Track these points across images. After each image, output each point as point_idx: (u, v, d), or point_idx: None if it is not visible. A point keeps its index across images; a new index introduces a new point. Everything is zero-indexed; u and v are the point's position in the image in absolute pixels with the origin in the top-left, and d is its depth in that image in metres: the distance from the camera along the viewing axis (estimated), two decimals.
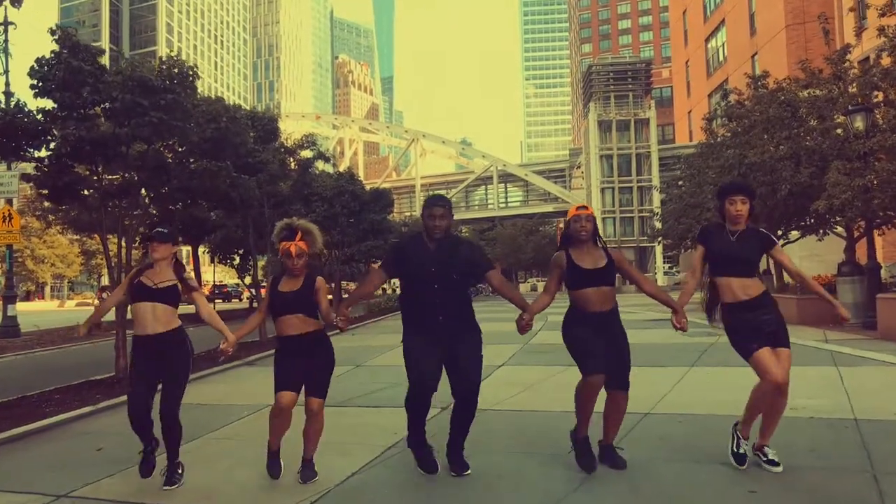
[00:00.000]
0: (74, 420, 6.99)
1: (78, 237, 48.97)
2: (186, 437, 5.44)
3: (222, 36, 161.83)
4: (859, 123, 11.88)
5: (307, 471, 4.45)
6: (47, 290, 74.15)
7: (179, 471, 4.52)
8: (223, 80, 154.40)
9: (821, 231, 16.04)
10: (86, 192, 10.24)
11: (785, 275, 19.80)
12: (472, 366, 4.36)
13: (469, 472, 4.37)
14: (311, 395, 4.39)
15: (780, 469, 4.09)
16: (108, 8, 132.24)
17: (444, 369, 4.33)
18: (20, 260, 42.08)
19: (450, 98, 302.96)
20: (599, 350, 4.23)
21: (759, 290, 4.23)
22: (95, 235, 42.99)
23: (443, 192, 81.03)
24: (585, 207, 4.47)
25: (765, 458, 4.19)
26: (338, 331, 4.51)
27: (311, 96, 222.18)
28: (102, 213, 10.25)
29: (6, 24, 20.24)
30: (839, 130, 13.35)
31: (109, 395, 8.14)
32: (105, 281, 70.99)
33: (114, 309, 4.94)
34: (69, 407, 7.50)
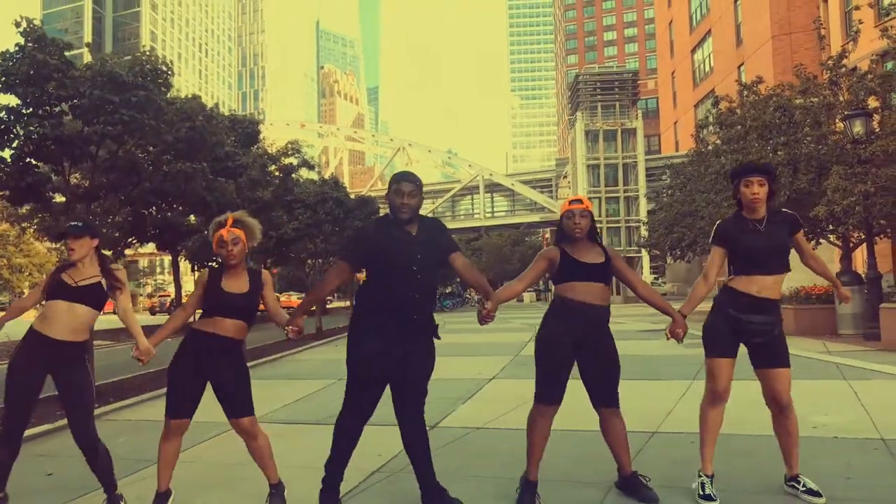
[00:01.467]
0: (28, 440, 6.37)
1: (56, 246, 47.97)
2: (142, 463, 4.92)
3: (207, 45, 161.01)
4: (859, 128, 11.56)
5: (276, 498, 3.90)
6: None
7: None
8: (208, 88, 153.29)
9: (817, 240, 15.70)
10: (51, 195, 9.66)
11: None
12: (420, 388, 3.82)
13: None
14: (241, 415, 3.86)
15: (822, 500, 3.60)
16: (91, 15, 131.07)
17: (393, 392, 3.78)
18: None
19: (435, 108, 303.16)
20: (566, 371, 3.72)
21: (777, 295, 3.74)
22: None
23: (429, 200, 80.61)
24: (580, 200, 3.88)
25: (803, 489, 3.69)
26: (289, 338, 4.01)
27: (296, 106, 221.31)
28: (69, 218, 9.68)
29: None
30: (836, 136, 13.05)
31: None
32: None
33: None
34: None
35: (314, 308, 24.76)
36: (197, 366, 3.81)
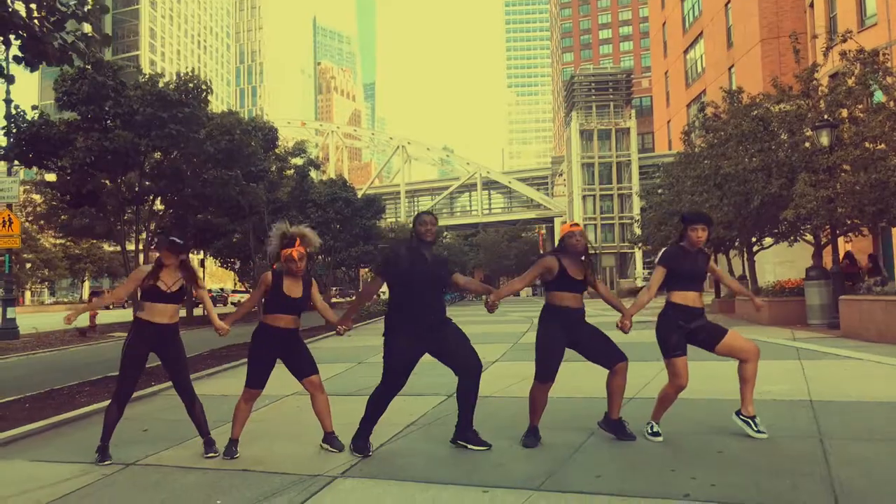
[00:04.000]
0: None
1: (62, 241, 49.00)
2: (220, 421, 6.16)
3: (205, 41, 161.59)
4: (825, 138, 12.82)
5: (335, 441, 5.21)
6: (27, 294, 73.66)
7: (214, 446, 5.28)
8: None
9: (791, 238, 17.01)
10: (105, 199, 10.87)
11: (759, 279, 20.85)
12: (468, 345, 5.14)
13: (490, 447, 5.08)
14: (311, 374, 5.20)
15: (765, 436, 4.93)
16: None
17: (443, 360, 5.11)
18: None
19: (432, 105, 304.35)
20: (559, 360, 5.04)
21: (702, 303, 5.19)
22: (83, 241, 43.02)
23: (427, 197, 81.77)
24: (577, 224, 5.28)
25: (756, 429, 5.01)
26: (335, 333, 5.32)
27: (294, 102, 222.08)
28: (121, 219, 10.91)
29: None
30: (807, 144, 14.30)
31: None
32: (87, 286, 70.72)
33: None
34: (101, 398, 8.11)
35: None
36: (271, 350, 5.16)
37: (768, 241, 19.20)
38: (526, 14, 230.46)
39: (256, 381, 5.16)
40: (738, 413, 5.12)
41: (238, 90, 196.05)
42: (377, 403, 5.16)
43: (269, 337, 5.12)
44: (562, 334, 5.02)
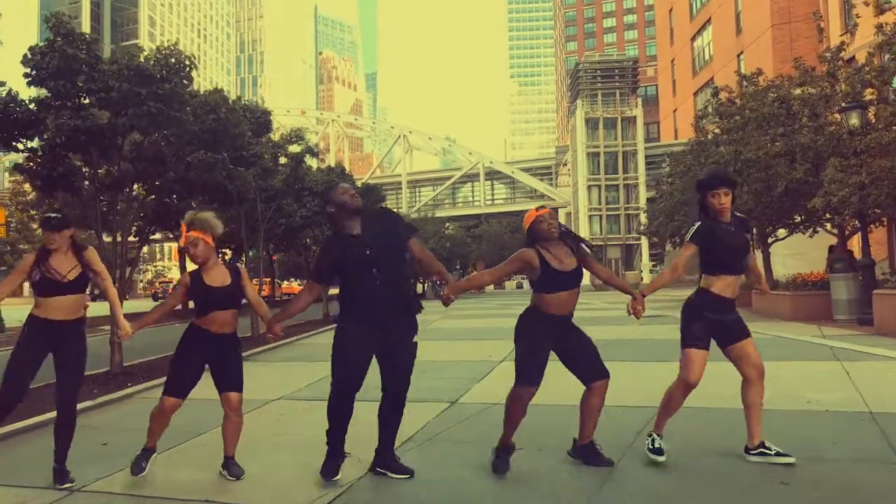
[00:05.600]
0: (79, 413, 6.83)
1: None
2: (182, 436, 5.34)
3: (205, 30, 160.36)
4: (854, 120, 11.97)
5: (234, 468, 4.36)
6: (25, 285, 73.00)
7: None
8: (206, 74, 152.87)
9: (812, 228, 16.16)
10: (80, 184, 10.03)
11: (774, 271, 19.98)
12: (407, 357, 4.23)
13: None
14: (231, 390, 4.36)
15: (792, 459, 4.07)
16: (90, 0, 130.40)
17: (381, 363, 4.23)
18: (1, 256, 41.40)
19: (433, 95, 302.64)
20: (544, 363, 4.15)
21: (737, 292, 4.28)
22: (84, 231, 42.37)
23: (429, 188, 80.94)
24: (543, 207, 4.35)
25: (774, 452, 4.16)
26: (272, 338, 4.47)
27: (295, 92, 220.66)
28: (97, 206, 10.07)
29: None
30: (833, 127, 13.46)
31: (106, 390, 8.03)
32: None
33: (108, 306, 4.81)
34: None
35: (321, 296, 25.22)
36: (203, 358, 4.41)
37: (782, 232, 18.30)
38: (528, 3, 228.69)
39: (180, 390, 4.36)
40: (747, 450, 4.24)
41: (238, 79, 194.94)
42: (334, 410, 4.22)
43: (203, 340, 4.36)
44: (546, 333, 4.15)
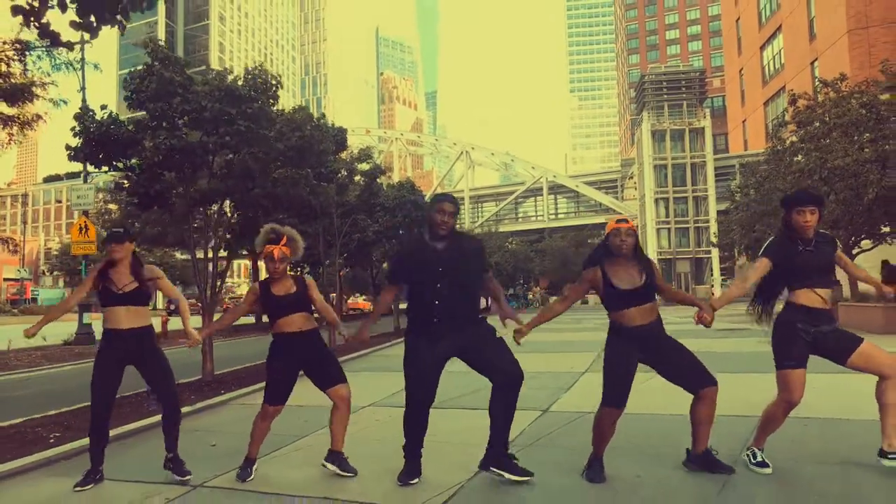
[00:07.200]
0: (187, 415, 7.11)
1: (136, 250, 50.45)
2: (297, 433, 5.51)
3: (272, 54, 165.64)
4: None
5: (346, 464, 4.49)
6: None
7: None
8: None
9: None
10: (174, 200, 10.49)
11: (858, 285, 19.14)
12: (494, 341, 4.29)
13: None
14: (336, 384, 4.52)
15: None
16: (165, 29, 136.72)
17: (476, 367, 4.28)
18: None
19: (493, 111, 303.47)
20: (627, 382, 4.11)
21: (829, 303, 4.15)
22: (154, 249, 44.01)
23: (491, 203, 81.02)
24: (626, 220, 4.28)
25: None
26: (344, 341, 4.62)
27: (357, 112, 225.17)
28: (189, 221, 10.53)
29: (83, 42, 21.06)
30: None
31: (201, 397, 8.34)
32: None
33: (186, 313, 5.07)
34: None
35: (391, 309, 25.56)
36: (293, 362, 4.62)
37: (866, 243, 17.53)
38: (588, 18, 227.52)
39: (277, 397, 4.55)
40: (881, 453, 4.03)
41: (304, 101, 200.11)
42: (408, 423, 4.33)
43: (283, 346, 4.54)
44: (630, 351, 4.10)
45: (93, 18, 3.81)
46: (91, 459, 4.59)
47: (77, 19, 3.87)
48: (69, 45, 4.39)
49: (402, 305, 43.34)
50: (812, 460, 4.44)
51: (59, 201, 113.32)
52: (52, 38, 3.92)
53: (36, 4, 3.69)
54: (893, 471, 3.95)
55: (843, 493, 3.79)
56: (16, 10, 3.80)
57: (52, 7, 3.75)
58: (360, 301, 55.92)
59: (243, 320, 37.77)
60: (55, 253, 67.60)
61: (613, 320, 4.22)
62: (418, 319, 4.26)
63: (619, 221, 4.25)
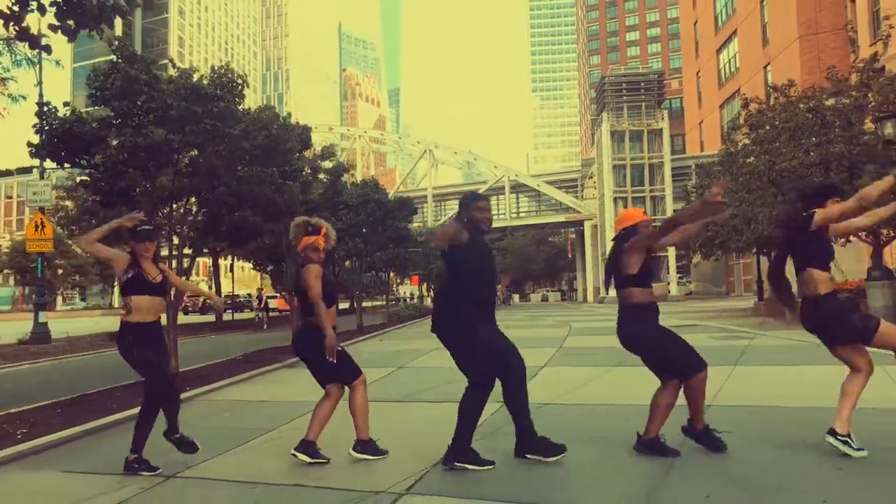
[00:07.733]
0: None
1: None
2: (261, 430, 5.69)
3: (233, 49, 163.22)
4: (890, 129, 12.09)
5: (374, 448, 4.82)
6: (59, 300, 74.63)
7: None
8: None
9: (846, 238, 16.16)
10: (139, 199, 10.50)
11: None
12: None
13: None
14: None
15: (865, 453, 4.27)
16: (122, 22, 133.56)
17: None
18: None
19: (457, 109, 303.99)
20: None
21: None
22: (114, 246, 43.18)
23: (454, 201, 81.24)
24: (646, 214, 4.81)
25: (856, 448, 4.29)
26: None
27: (319, 108, 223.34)
28: (153, 219, 10.54)
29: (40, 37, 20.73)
30: (868, 137, 13.56)
31: (233, 372, 8.61)
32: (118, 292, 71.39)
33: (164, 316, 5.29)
34: (134, 403, 7.72)
35: (354, 306, 25.61)
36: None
37: None
38: (550, 18, 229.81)
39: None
40: (831, 432, 4.32)
41: (265, 97, 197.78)
42: (512, 395, 4.68)
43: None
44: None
45: (71, 22, 3.93)
46: (169, 425, 4.86)
47: (55, 22, 3.99)
48: (48, 49, 4.48)
49: (367, 304, 42.98)
50: (749, 444, 4.79)
51: (10, 197, 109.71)
52: (31, 42, 4.03)
53: (16, 9, 3.80)
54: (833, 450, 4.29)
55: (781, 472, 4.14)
56: None
57: (32, 11, 3.86)
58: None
59: (202, 318, 37.33)
60: (6, 250, 65.72)
61: (650, 301, 4.56)
62: (484, 308, 4.52)
63: (644, 213, 4.81)
